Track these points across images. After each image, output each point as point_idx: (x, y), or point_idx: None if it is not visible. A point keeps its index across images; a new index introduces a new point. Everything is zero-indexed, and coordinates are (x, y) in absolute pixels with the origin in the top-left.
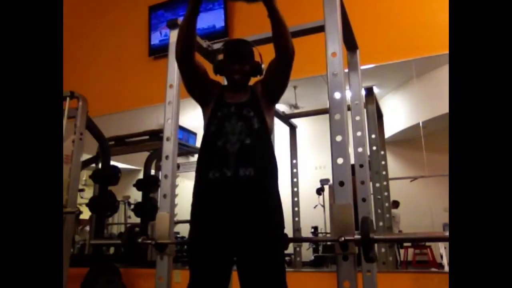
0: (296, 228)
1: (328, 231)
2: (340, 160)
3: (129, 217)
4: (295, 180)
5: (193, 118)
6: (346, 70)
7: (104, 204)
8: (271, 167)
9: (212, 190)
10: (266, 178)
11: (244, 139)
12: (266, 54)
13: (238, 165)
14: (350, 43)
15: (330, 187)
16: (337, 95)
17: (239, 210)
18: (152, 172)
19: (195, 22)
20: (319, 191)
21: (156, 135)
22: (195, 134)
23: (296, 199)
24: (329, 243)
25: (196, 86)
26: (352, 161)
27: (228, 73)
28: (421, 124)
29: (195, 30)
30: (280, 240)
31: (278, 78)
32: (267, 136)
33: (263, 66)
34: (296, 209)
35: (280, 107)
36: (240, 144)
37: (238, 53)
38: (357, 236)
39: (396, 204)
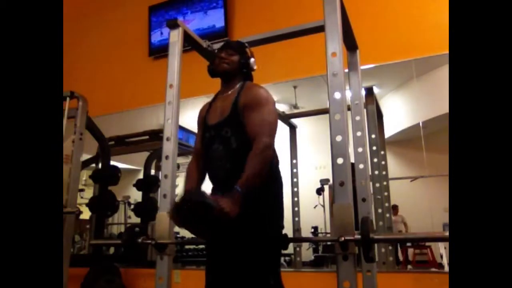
0: (296, 228)
1: (328, 231)
2: (340, 160)
3: (129, 217)
4: (295, 180)
5: (193, 118)
6: (346, 70)
7: (104, 204)
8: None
9: None
10: (250, 202)
11: (225, 164)
12: (266, 53)
13: (226, 191)
14: (350, 43)
15: (330, 187)
16: (337, 95)
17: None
18: (152, 172)
19: None
20: (319, 191)
21: (156, 135)
22: (195, 134)
23: (296, 199)
24: (329, 243)
25: None
26: (352, 161)
27: (216, 66)
28: (421, 124)
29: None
30: (254, 249)
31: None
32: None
33: (252, 60)
34: (296, 209)
35: (280, 107)
36: (223, 171)
37: (225, 44)
38: (357, 236)
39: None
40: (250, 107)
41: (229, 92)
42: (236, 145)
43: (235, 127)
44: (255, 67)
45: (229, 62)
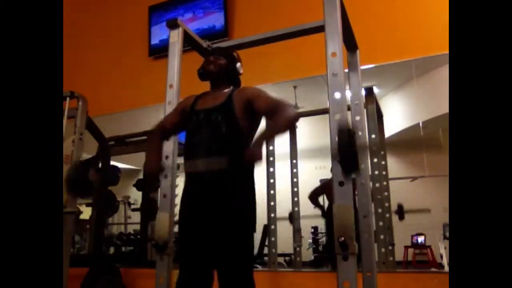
0: (296, 228)
1: None
2: None
3: (129, 217)
4: (295, 180)
5: None
6: (346, 70)
7: (104, 204)
8: (235, 169)
9: (191, 190)
10: (230, 179)
11: (212, 146)
12: (266, 53)
13: (207, 171)
14: (350, 43)
15: None
16: (337, 95)
17: (202, 215)
18: None
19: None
20: None
21: None
22: None
23: (296, 199)
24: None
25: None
26: None
27: (205, 68)
28: (421, 124)
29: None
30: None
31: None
32: (238, 140)
33: (238, 64)
34: (296, 209)
35: None
36: (208, 151)
37: (212, 49)
38: None
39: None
40: (256, 97)
41: (220, 92)
42: (226, 130)
43: (225, 115)
44: (241, 71)
45: (216, 65)
